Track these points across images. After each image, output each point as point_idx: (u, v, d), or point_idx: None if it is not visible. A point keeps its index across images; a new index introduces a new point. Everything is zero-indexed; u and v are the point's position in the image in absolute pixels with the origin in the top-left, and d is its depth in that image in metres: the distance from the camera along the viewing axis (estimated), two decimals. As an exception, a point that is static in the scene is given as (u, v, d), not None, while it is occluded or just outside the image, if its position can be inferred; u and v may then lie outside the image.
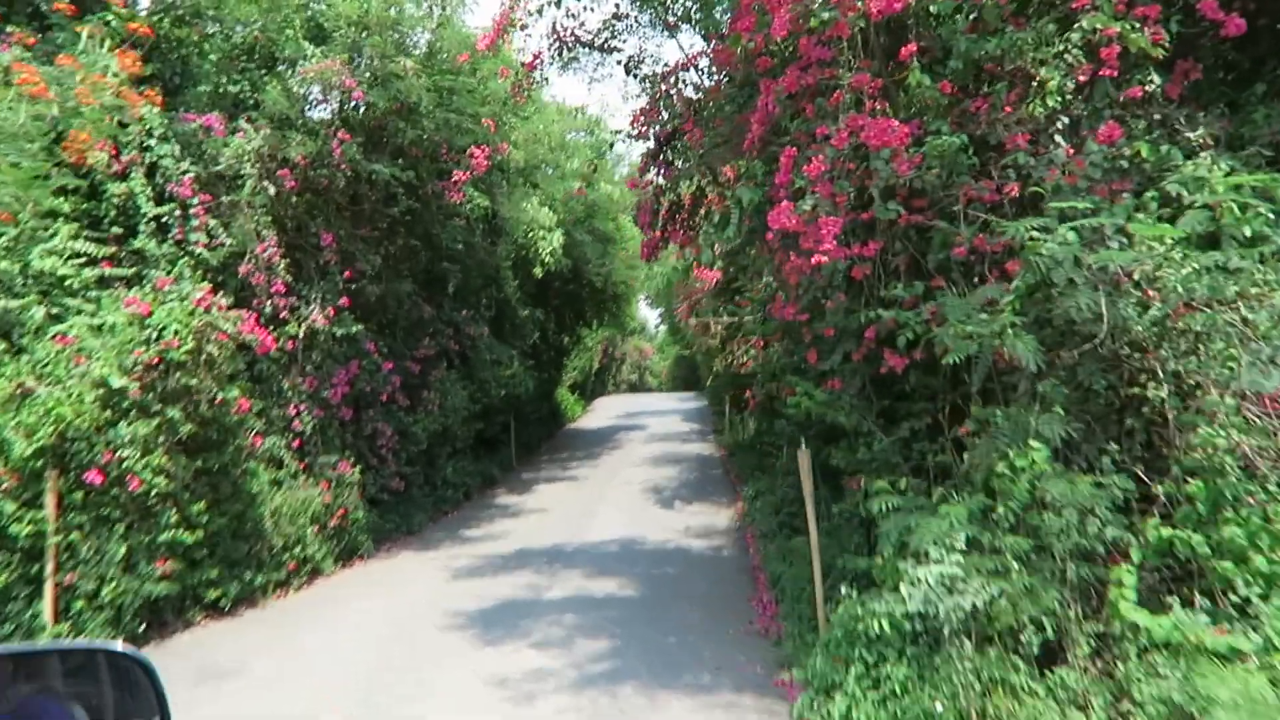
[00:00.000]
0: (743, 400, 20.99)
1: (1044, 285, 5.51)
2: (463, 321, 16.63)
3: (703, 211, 11.67)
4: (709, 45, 10.36)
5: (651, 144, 11.00)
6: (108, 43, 5.95)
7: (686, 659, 7.97)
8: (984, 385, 6.50)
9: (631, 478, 20.74)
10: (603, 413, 38.76)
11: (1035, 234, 5.33)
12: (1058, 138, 5.98)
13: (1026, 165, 5.92)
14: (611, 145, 11.46)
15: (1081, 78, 5.98)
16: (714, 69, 10.01)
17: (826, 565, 8.17)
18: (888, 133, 6.00)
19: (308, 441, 12.41)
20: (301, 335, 12.19)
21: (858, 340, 6.93)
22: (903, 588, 5.01)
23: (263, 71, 12.47)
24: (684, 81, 10.40)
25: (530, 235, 18.83)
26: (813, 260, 6.06)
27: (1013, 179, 6.02)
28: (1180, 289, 5.35)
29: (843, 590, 6.18)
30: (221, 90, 12.05)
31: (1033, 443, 5.31)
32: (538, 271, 19.37)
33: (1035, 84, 6.06)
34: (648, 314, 56.98)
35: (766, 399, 12.16)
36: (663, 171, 11.27)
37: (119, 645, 2.58)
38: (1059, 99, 5.95)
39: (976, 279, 6.29)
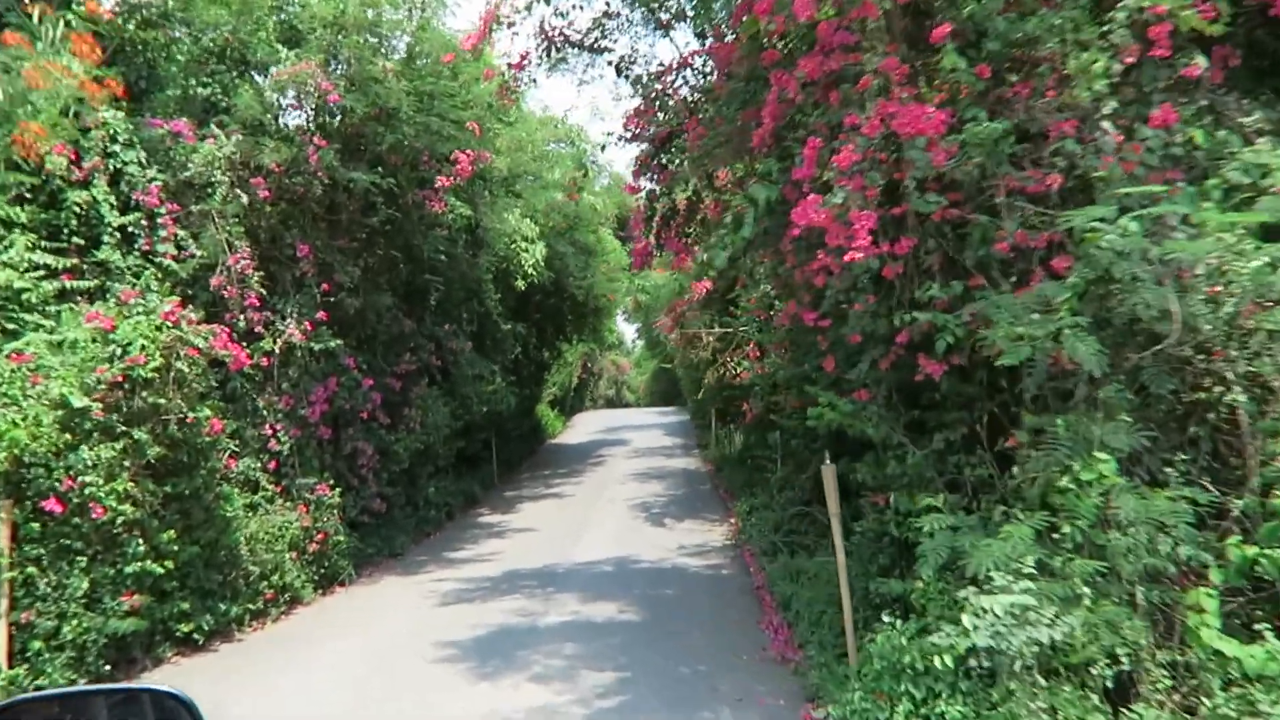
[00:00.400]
0: (731, 413, 20.49)
1: (1103, 281, 5.01)
2: (444, 336, 15.96)
3: (699, 218, 11.15)
4: (704, 44, 9.85)
5: (646, 147, 10.47)
6: (63, 28, 5.36)
7: (702, 691, 7.36)
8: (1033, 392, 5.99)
9: (618, 494, 20.12)
10: (583, 428, 38.10)
11: (1097, 224, 4.82)
12: (1104, 124, 5.49)
13: (1073, 154, 5.43)
14: (603, 147, 10.82)
15: (1128, 59, 5.51)
16: (712, 68, 9.50)
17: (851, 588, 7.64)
18: (922, 120, 5.49)
19: (285, 463, 11.70)
20: (277, 351, 11.49)
21: (886, 346, 6.40)
22: (965, 619, 4.45)
23: (234, 74, 11.82)
24: (682, 79, 9.90)
25: (512, 247, 18.22)
26: (845, 258, 5.53)
27: (1058, 168, 5.52)
28: (1249, 284, 4.87)
29: (884, 619, 5.61)
30: (190, 94, 11.38)
31: (1098, 454, 4.79)
32: (520, 284, 18.74)
33: (1076, 68, 5.57)
34: (624, 328, 56.58)
35: (765, 411, 11.61)
36: (657, 176, 10.74)
37: (163, 686, 2.60)
38: (1105, 82, 5.46)
39: (1016, 277, 5.78)
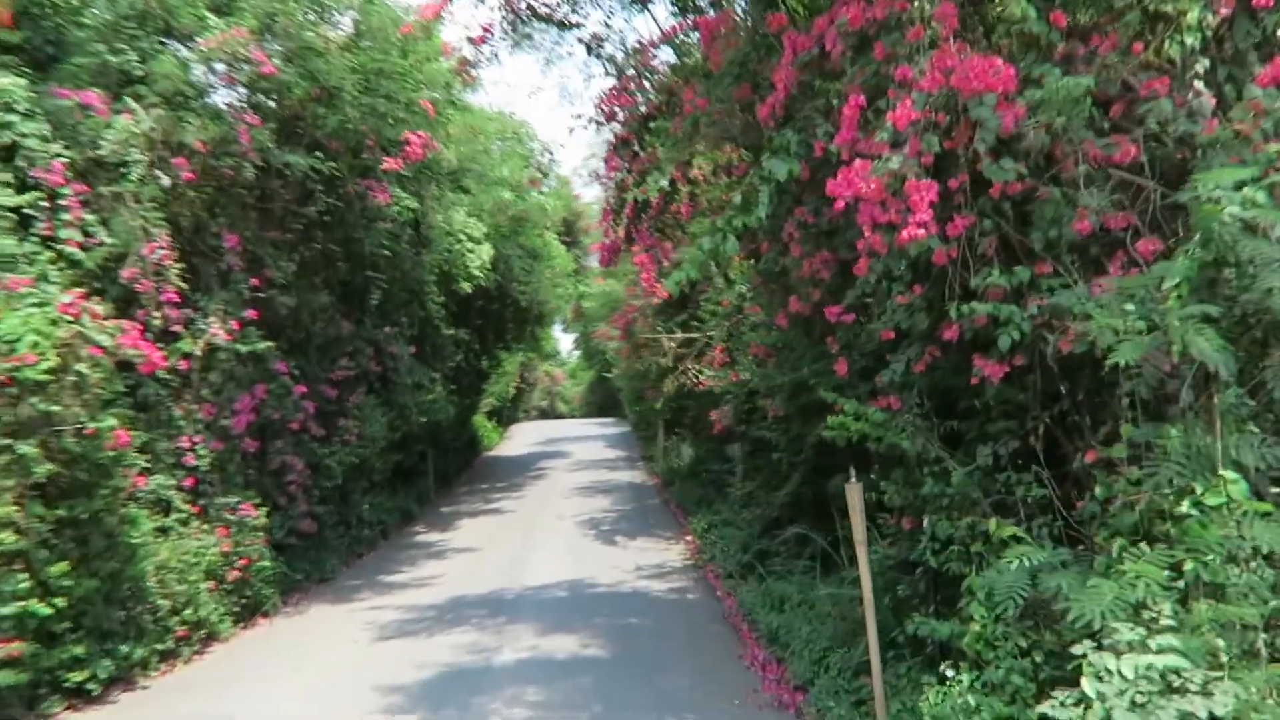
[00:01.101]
0: (683, 424, 19.48)
1: (1217, 264, 4.12)
2: (385, 340, 14.61)
3: (672, 211, 10.15)
4: (687, 18, 8.86)
5: (619, 130, 9.43)
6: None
7: (697, 748, 6.30)
8: (1096, 396, 5.09)
9: (563, 510, 18.94)
10: (520, 440, 36.72)
11: (1219, 194, 3.93)
12: (1197, 84, 4.64)
13: (1166, 116, 4.55)
14: (571, 131, 9.72)
15: (1224, 10, 4.67)
16: (698, 41, 8.51)
17: (850, 622, 6.65)
18: (990, 74, 4.56)
19: (203, 480, 10.26)
20: (198, 353, 10.08)
21: (923, 345, 5.45)
22: (1087, 684, 3.46)
23: (156, 42, 10.39)
24: (662, 56, 8.90)
25: (457, 247, 16.96)
26: (901, 236, 4.55)
27: (1144, 134, 4.63)
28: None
29: (946, 672, 4.61)
30: (103, 62, 9.93)
31: (1225, 473, 3.88)
32: (465, 287, 17.46)
33: (1161, 20, 4.71)
34: (559, 338, 55.28)
35: (737, 421, 10.63)
36: (630, 163, 9.70)
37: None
38: (1199, 36, 4.61)
39: (1090, 263, 4.89)
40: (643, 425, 30.28)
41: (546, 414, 60.30)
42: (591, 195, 32.55)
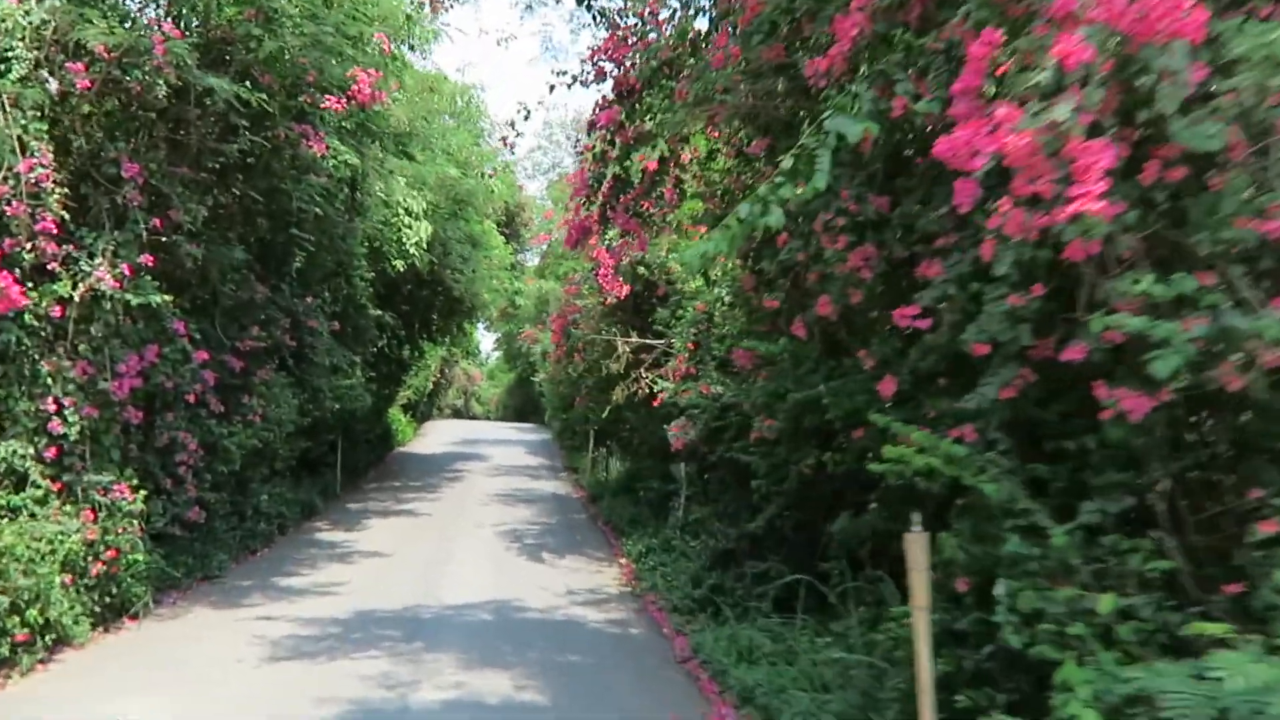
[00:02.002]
0: (617, 436, 18.19)
1: None
2: (304, 312, 12.91)
3: (657, 193, 8.89)
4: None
5: (620, 76, 8.14)
6: None
7: None
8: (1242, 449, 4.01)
9: (483, 518, 17.41)
10: (436, 438, 34.83)
11: None
12: None
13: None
14: (551, 89, 8.18)
15: None
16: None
17: (874, 699, 5.43)
18: (1175, 14, 3.43)
19: (70, 451, 8.54)
20: (76, 299, 8.37)
21: (1018, 364, 4.29)
22: None
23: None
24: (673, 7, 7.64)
25: (394, 220, 15.36)
26: (1065, 211, 3.37)
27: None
28: None
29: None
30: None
31: None
32: (398, 264, 15.83)
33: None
34: (480, 337, 53.30)
35: (707, 438, 9.39)
36: (615, 133, 8.40)
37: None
38: None
39: (1266, 277, 3.79)
40: (568, 434, 28.84)
41: (460, 414, 58.30)
42: (535, 188, 31.16)
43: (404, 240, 15.54)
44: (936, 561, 4.84)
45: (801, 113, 6.67)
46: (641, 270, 13.15)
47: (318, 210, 10.79)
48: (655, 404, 12.10)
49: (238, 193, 10.39)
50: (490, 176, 18.91)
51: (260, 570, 12.18)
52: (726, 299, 9.41)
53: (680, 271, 12.82)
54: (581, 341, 18.36)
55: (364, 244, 15.07)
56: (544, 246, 30.39)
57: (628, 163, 8.71)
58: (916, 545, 4.29)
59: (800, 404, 6.61)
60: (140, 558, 9.16)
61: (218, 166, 9.89)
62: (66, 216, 8.30)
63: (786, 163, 4.82)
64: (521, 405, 54.37)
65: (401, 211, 15.48)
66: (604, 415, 14.79)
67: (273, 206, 10.97)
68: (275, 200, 10.83)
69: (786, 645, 7.37)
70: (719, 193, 8.26)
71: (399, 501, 19.18)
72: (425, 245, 16.13)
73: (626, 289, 13.13)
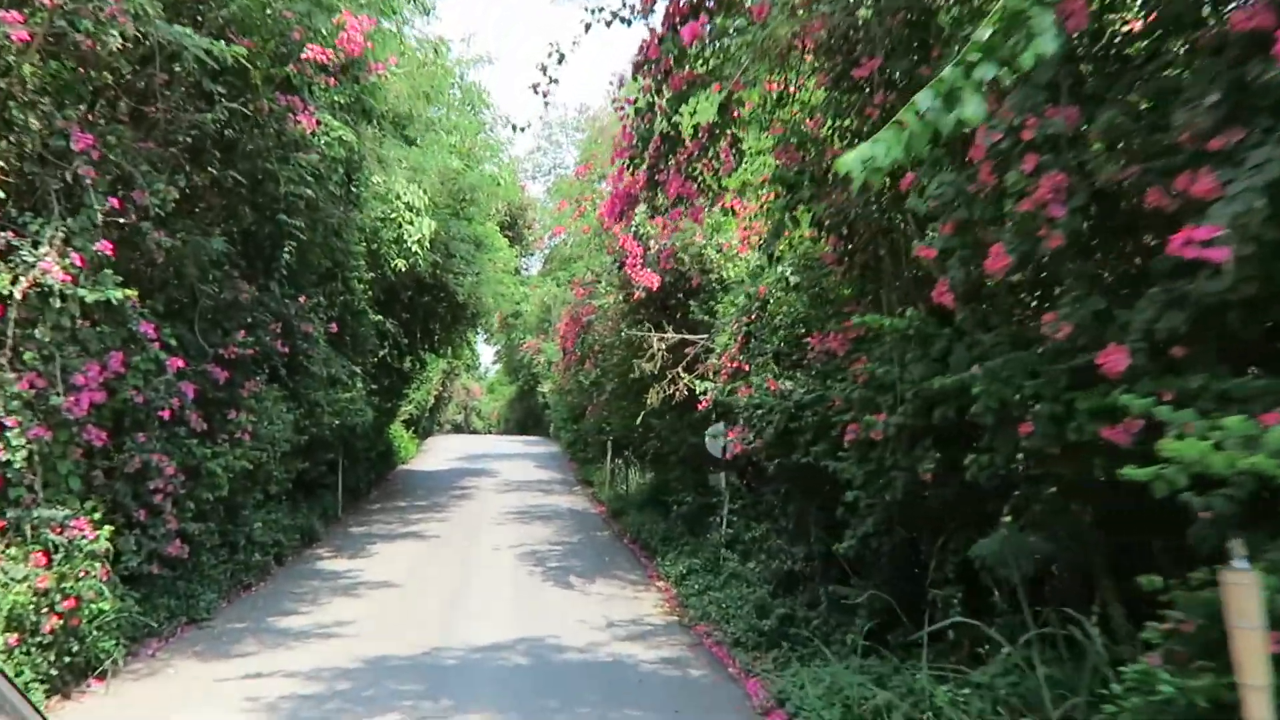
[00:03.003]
0: (645, 445, 16.64)
1: None
2: (296, 315, 11.36)
3: (710, 154, 7.40)
4: None
5: (660, 24, 6.66)
6: None
7: None
8: None
9: (499, 539, 15.85)
10: (439, 454, 33.23)
11: None
12: None
13: None
14: (586, 28, 6.68)
15: None
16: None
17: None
18: None
19: (16, 482, 7.00)
20: (19, 296, 6.84)
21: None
22: None
23: None
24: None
25: (394, 216, 13.85)
26: None
27: None
28: None
29: None
30: None
31: None
32: (399, 264, 14.30)
33: None
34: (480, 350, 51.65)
35: (780, 444, 7.87)
36: (665, 79, 6.92)
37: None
38: None
39: None
40: (579, 446, 27.32)
41: (460, 429, 56.73)
42: (537, 190, 29.67)
43: (405, 238, 14.03)
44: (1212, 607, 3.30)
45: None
46: (680, 258, 11.60)
47: (309, 193, 9.23)
48: (700, 407, 10.58)
49: (214, 172, 8.86)
50: (496, 168, 17.36)
51: (255, 609, 10.63)
52: (791, 277, 7.90)
53: (718, 258, 11.33)
54: (599, 344, 16.86)
55: (361, 241, 13.55)
56: (548, 249, 28.92)
57: (677, 117, 7.22)
58: (1241, 590, 2.76)
59: (936, 393, 5.10)
60: (107, 606, 7.58)
61: (190, 141, 8.36)
62: (4, 196, 6.77)
63: (982, 31, 3.32)
64: (523, 418, 52.81)
65: (401, 206, 13.98)
66: (635, 422, 13.22)
67: (257, 192, 9.43)
68: (260, 184, 9.29)
69: (904, 693, 5.83)
70: (798, 141, 6.77)
71: (406, 523, 17.60)
72: (428, 244, 14.61)
73: (657, 281, 11.61)
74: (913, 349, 5.42)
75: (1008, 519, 5.94)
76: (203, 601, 10.00)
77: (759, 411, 8.13)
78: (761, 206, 8.13)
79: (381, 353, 17.18)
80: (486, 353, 56.54)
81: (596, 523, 18.19)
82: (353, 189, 11.79)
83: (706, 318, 11.25)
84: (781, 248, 7.84)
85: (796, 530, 9.03)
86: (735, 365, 9.64)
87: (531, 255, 29.79)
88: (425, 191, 14.37)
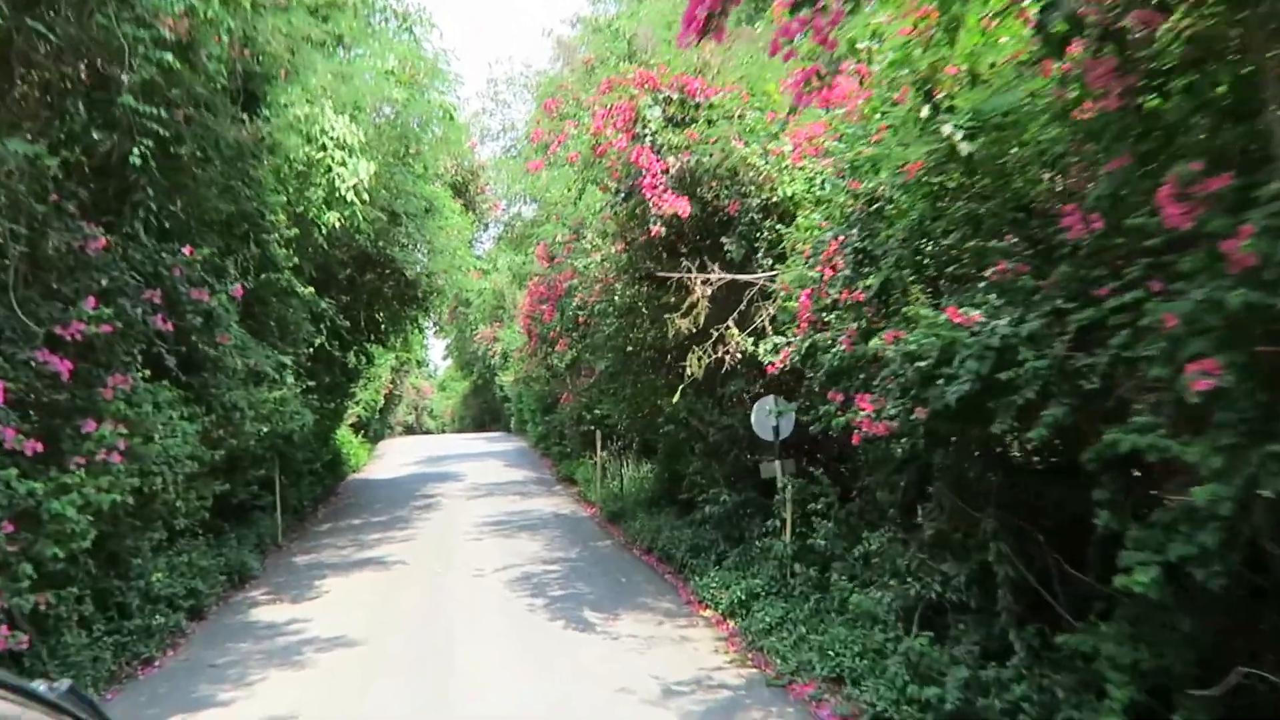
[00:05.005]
0: (655, 431, 13.41)
1: None
2: (186, 280, 7.87)
3: None
4: None
5: None
6: None
7: None
8: None
9: (480, 560, 12.56)
10: (395, 458, 29.56)
11: None
12: None
13: None
14: None
15: None
16: None
17: None
18: None
19: None
20: None
21: None
22: None
23: None
24: None
25: (321, 156, 10.41)
26: None
27: None
28: None
29: None
30: None
31: None
32: (332, 219, 10.82)
33: None
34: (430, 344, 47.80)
35: (960, 415, 4.73)
36: None
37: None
38: None
39: None
40: (553, 438, 24.04)
41: (412, 430, 52.89)
42: (490, 151, 26.12)
43: (337, 185, 10.57)
44: None
45: None
46: (718, 172, 8.23)
47: (168, 62, 5.79)
48: (772, 369, 7.39)
49: (19, 41, 5.39)
50: (442, 94, 13.82)
51: (154, 698, 7.27)
52: (964, 144, 4.74)
53: (768, 169, 8.14)
54: (585, 314, 13.61)
55: (278, 189, 10.08)
56: (504, 218, 25.46)
57: None
58: None
59: None
60: None
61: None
62: None
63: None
64: (479, 414, 49.32)
65: (331, 145, 10.53)
66: (650, 402, 10.01)
67: (99, 89, 5.96)
68: (101, 82, 5.83)
69: None
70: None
71: (362, 546, 14.19)
72: (366, 196, 11.15)
73: (686, 206, 8.39)
74: None
75: None
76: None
77: (918, 365, 4.99)
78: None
79: (318, 340, 13.67)
80: (436, 349, 52.88)
81: (592, 530, 14.96)
82: (258, 109, 8.34)
83: (775, 246, 8.04)
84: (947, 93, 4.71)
85: (949, 543, 5.94)
86: (838, 297, 6.48)
87: (485, 229, 26.25)
88: (358, 126, 10.92)
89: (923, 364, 5.00)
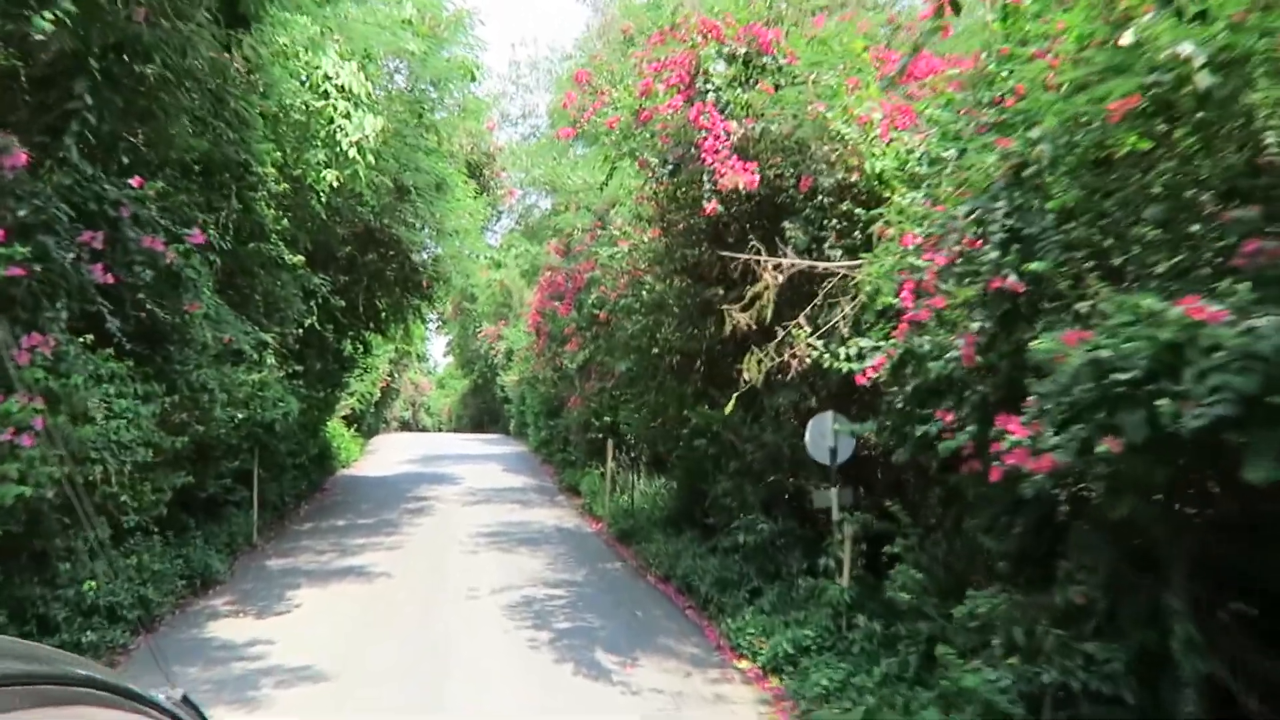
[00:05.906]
0: (672, 440, 11.91)
1: None
2: (133, 219, 6.39)
3: None
4: None
5: None
6: None
7: None
8: None
9: (476, 578, 11.06)
10: (387, 455, 28.02)
11: None
12: None
13: None
14: None
15: None
16: None
17: None
18: None
19: None
20: None
21: None
22: None
23: None
24: None
25: (324, 108, 8.99)
26: None
27: None
28: None
29: None
30: None
31: None
32: (329, 177, 9.38)
33: None
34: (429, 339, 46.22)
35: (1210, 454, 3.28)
36: None
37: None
38: None
39: None
40: (556, 444, 22.55)
41: (409, 426, 51.33)
42: (509, 136, 24.70)
43: (337, 139, 9.14)
44: None
45: None
46: (789, 144, 6.75)
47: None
48: (862, 380, 5.91)
49: None
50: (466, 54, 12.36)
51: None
52: (1199, 78, 3.35)
53: (855, 139, 6.69)
54: (607, 309, 12.21)
55: (269, 137, 8.64)
56: (518, 205, 24.06)
57: None
58: None
59: None
60: None
61: None
62: None
63: None
64: (478, 415, 47.72)
65: (333, 91, 9.10)
66: (676, 411, 8.54)
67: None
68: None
69: None
70: None
71: (344, 552, 12.69)
72: (370, 155, 9.70)
73: (754, 177, 6.92)
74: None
75: None
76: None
77: (1114, 377, 3.54)
78: None
79: (309, 320, 12.20)
80: (437, 345, 51.32)
81: (599, 549, 13.46)
82: (238, 29, 6.89)
83: (860, 229, 6.59)
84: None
85: (1114, 616, 4.47)
86: (937, 303, 5.04)
87: (499, 217, 24.81)
88: (364, 74, 9.48)
89: (1123, 375, 3.55)
